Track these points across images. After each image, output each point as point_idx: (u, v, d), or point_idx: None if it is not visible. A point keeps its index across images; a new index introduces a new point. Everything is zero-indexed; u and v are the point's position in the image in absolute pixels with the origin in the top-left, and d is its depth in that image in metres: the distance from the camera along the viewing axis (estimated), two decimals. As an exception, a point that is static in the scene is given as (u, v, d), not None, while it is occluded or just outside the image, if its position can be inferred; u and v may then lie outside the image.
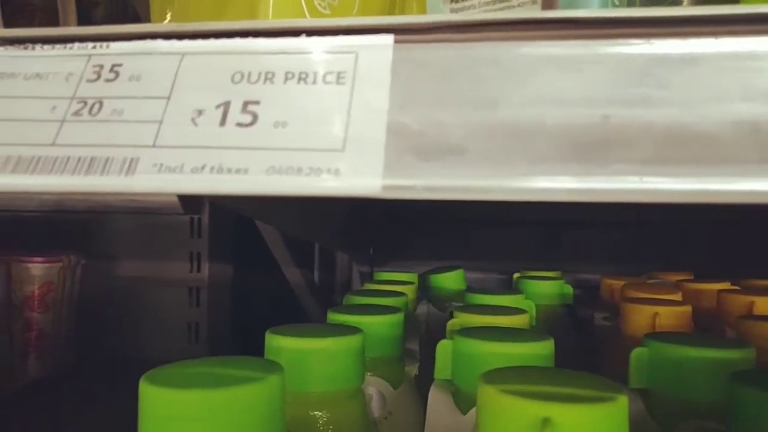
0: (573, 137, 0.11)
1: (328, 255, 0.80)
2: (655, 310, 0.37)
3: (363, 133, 0.12)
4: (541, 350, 0.24)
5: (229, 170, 0.12)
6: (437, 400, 0.25)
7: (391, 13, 0.20)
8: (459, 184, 0.11)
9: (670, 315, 0.37)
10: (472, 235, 0.75)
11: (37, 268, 0.55)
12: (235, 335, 0.75)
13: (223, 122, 0.13)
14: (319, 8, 0.17)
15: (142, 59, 0.14)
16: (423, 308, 0.50)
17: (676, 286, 0.50)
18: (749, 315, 0.37)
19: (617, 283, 0.50)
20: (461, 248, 0.73)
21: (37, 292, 0.55)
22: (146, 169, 0.12)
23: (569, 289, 0.52)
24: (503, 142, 0.11)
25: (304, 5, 0.16)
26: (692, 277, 0.58)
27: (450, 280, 0.57)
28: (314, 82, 0.13)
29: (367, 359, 0.31)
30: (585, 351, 0.45)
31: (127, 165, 0.12)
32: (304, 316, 0.74)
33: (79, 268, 0.61)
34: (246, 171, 0.12)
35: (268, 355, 0.25)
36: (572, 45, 0.12)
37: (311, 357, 0.24)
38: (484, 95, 0.12)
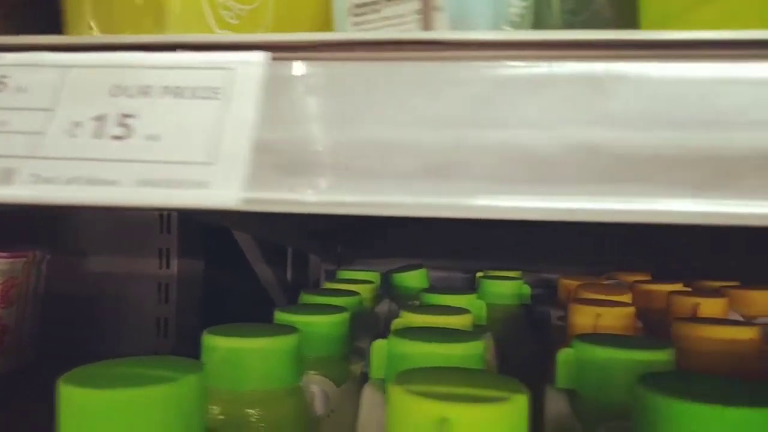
0: (425, 155, 0.12)
1: (301, 253, 0.81)
2: (597, 311, 0.38)
3: (231, 148, 0.12)
4: (469, 351, 0.25)
5: (103, 182, 0.12)
6: (369, 399, 0.26)
7: (325, 28, 0.20)
8: (318, 199, 0.12)
9: (613, 316, 0.37)
10: (441, 234, 0.76)
11: (0, 263, 0.55)
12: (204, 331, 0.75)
13: (99, 135, 0.13)
14: (227, 18, 0.17)
15: (29, 71, 0.14)
16: (384, 307, 0.51)
17: (629, 287, 0.51)
18: (686, 317, 0.38)
19: (573, 283, 0.51)
20: (430, 247, 0.73)
21: (0, 287, 0.55)
22: (23, 179, 0.13)
23: (527, 289, 0.53)
24: (365, 159, 0.12)
25: (210, 16, 0.17)
26: (649, 278, 0.59)
27: (412, 278, 0.57)
28: (189, 96, 0.13)
29: (311, 358, 0.32)
30: (538, 350, 0.46)
31: (4, 175, 0.13)
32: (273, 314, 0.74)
33: (44, 264, 0.60)
34: (118, 183, 0.12)
35: (204, 354, 0.25)
36: (438, 66, 0.13)
37: (244, 356, 0.24)
38: (349, 113, 0.12)
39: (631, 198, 0.15)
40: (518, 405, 0.17)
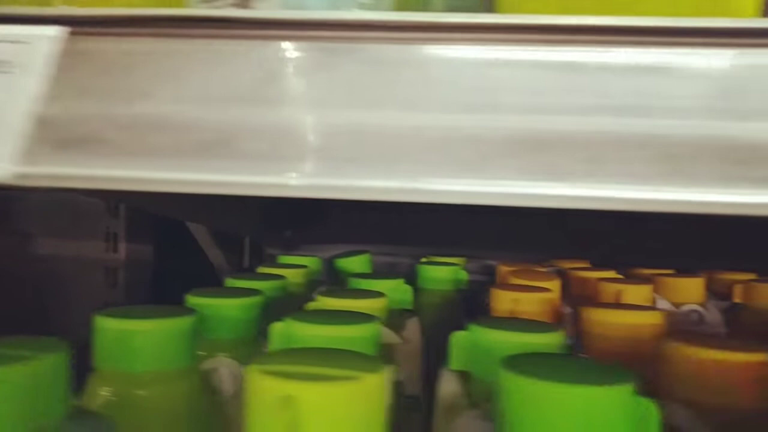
0: (200, 134, 0.12)
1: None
2: (515, 296, 0.38)
3: (9, 122, 0.12)
4: (358, 333, 0.25)
5: None
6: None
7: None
8: (91, 173, 0.12)
9: (530, 301, 0.38)
10: (392, 220, 0.76)
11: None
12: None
13: None
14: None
15: None
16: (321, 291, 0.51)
17: (562, 274, 0.52)
18: (596, 302, 0.39)
19: (507, 270, 0.52)
20: (381, 233, 0.74)
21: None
22: None
23: (464, 275, 0.53)
24: (143, 135, 0.12)
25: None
26: (587, 266, 0.60)
27: (354, 264, 0.57)
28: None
29: (222, 340, 0.32)
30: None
31: None
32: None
33: (-15, 247, 0.59)
34: None
35: (96, 335, 0.25)
36: (229, 44, 0.13)
37: (132, 338, 0.25)
38: (136, 89, 0.13)
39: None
40: (367, 385, 0.17)
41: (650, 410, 0.18)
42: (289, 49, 0.13)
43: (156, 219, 0.75)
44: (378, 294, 0.35)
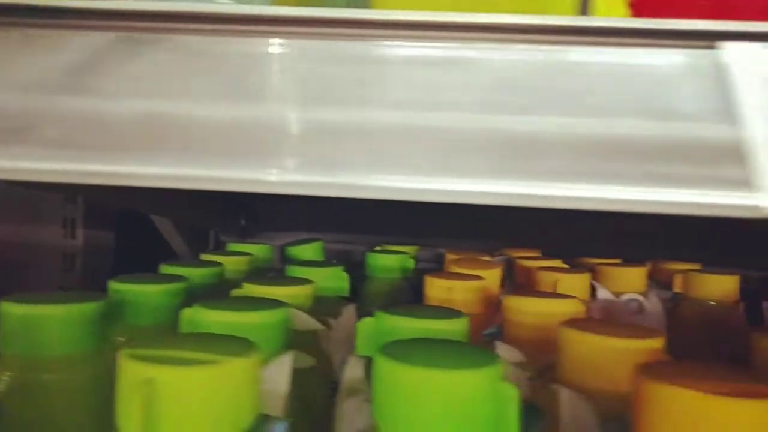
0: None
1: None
2: (448, 285, 0.39)
3: None
4: (251, 319, 0.26)
5: None
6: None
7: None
8: None
9: (462, 289, 0.39)
10: (352, 208, 0.76)
11: None
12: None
13: None
14: None
15: None
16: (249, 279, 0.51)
17: (509, 263, 0.53)
18: (522, 290, 0.39)
19: (452, 258, 0.52)
20: (339, 221, 0.74)
21: None
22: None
23: (411, 263, 0.54)
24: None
25: None
26: (537, 255, 0.60)
27: (306, 252, 0.58)
28: None
29: (143, 326, 0.32)
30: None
31: None
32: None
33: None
34: None
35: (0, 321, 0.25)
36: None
37: (34, 323, 0.25)
38: None
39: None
40: (226, 369, 0.18)
41: (511, 395, 0.18)
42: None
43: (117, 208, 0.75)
44: (306, 281, 0.35)
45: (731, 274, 0.51)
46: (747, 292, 0.52)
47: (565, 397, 0.22)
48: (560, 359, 0.25)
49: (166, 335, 0.21)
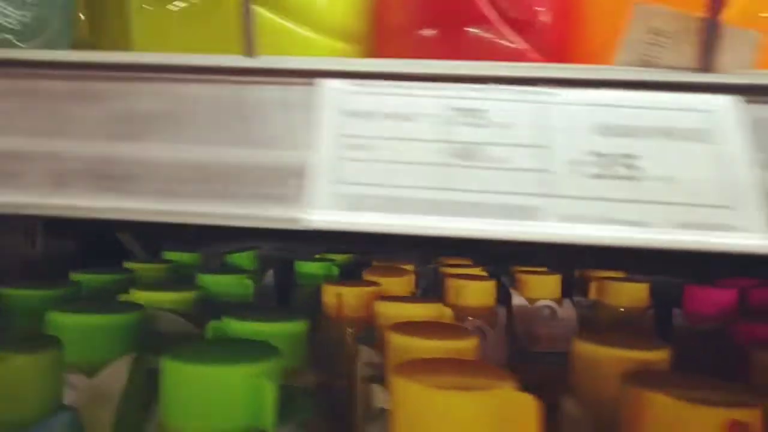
0: None
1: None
2: (339, 291, 0.40)
3: None
4: (111, 322, 0.28)
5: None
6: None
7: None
8: None
9: (353, 295, 0.40)
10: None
11: None
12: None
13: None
14: None
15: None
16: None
17: (432, 272, 0.54)
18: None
19: (374, 266, 0.54)
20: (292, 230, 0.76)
21: None
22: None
23: (335, 271, 0.55)
24: None
25: None
26: (467, 264, 0.62)
27: (241, 259, 0.60)
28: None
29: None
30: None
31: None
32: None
33: None
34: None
35: None
36: None
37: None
38: None
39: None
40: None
41: (268, 390, 0.20)
42: None
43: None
44: (191, 288, 0.37)
45: (648, 281, 0.53)
46: (662, 299, 0.53)
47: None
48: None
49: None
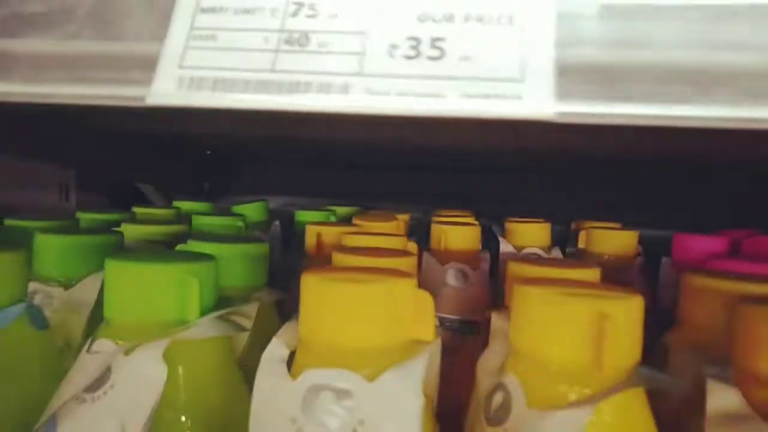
0: None
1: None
2: (318, 230, 0.43)
3: None
4: (86, 242, 0.31)
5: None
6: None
7: None
8: None
9: (328, 234, 0.43)
10: (316, 175, 0.81)
11: None
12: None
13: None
14: None
15: None
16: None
17: (419, 221, 0.56)
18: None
19: (370, 214, 0.56)
20: (303, 186, 0.79)
21: None
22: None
23: (333, 219, 0.58)
24: None
25: None
26: (466, 215, 0.63)
27: (250, 210, 0.63)
28: None
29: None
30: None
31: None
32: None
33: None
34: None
35: None
36: None
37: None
38: None
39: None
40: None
41: (192, 286, 0.22)
42: None
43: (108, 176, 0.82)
44: (173, 221, 0.40)
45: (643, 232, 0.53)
46: (652, 248, 0.53)
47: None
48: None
49: None
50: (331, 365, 0.20)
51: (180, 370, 0.22)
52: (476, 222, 0.57)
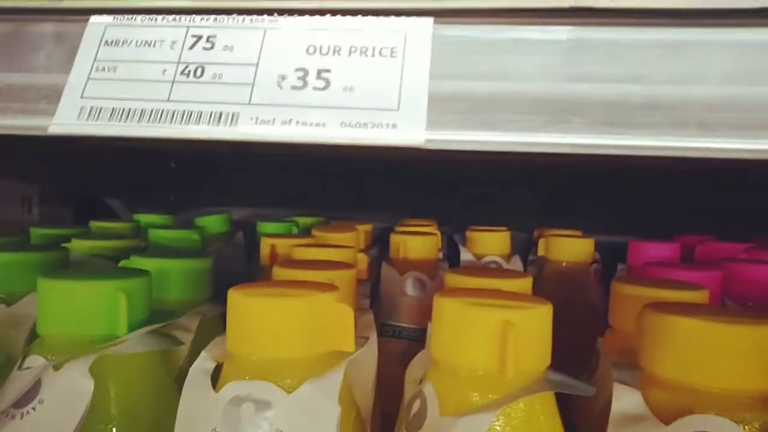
0: None
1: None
2: (272, 242, 0.44)
3: None
4: (29, 259, 0.32)
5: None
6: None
7: None
8: None
9: (283, 245, 0.44)
10: (287, 185, 0.82)
11: None
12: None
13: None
14: None
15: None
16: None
17: (382, 231, 0.57)
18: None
19: (331, 225, 0.57)
20: (269, 196, 0.80)
21: None
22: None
23: (294, 231, 0.59)
24: None
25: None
26: (430, 225, 0.64)
27: (213, 222, 0.64)
28: None
29: None
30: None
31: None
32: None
33: None
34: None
35: None
36: None
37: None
38: None
39: None
40: None
41: (120, 302, 0.23)
42: None
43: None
44: (128, 235, 0.41)
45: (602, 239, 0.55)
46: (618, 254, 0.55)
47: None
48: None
49: None
50: (253, 377, 0.21)
51: (110, 384, 0.23)
52: (437, 231, 0.58)
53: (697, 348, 0.20)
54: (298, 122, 0.16)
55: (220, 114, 0.17)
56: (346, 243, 0.50)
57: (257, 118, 0.17)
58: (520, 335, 0.20)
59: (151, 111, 0.17)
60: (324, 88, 0.17)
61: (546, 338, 0.21)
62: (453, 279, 0.29)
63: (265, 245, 0.44)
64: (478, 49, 0.16)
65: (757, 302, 0.35)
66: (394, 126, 0.16)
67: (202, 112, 0.17)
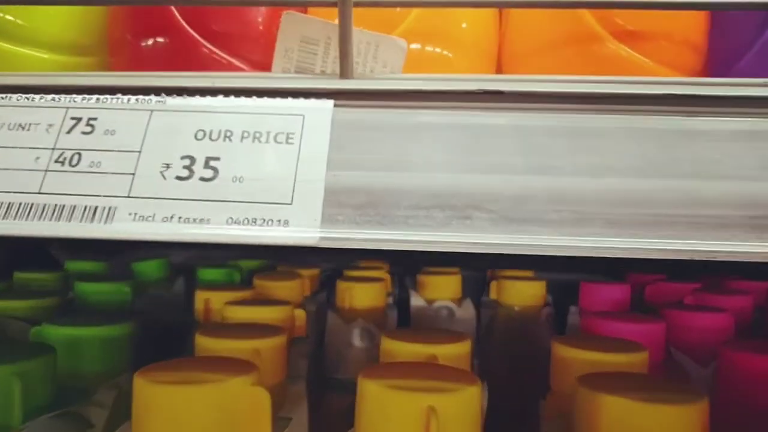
0: None
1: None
2: (207, 296, 0.42)
3: None
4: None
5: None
6: None
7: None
8: None
9: (218, 300, 0.42)
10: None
11: None
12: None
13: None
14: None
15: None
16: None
17: (329, 276, 0.56)
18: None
19: (276, 271, 0.56)
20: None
21: None
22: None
23: (236, 277, 0.57)
24: None
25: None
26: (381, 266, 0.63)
27: (151, 267, 0.61)
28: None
29: None
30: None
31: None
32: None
33: None
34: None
35: None
36: None
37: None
38: None
39: None
40: None
41: (13, 388, 0.22)
42: None
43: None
44: (45, 295, 0.39)
45: (554, 280, 0.55)
46: (561, 296, 0.55)
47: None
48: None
49: None
50: (159, 471, 0.20)
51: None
52: (387, 275, 0.57)
53: (627, 427, 0.20)
54: (180, 218, 0.16)
55: (95, 209, 0.16)
56: (289, 292, 0.49)
57: (136, 214, 0.16)
58: (445, 421, 0.19)
59: (20, 205, 0.16)
60: (212, 179, 0.16)
61: (473, 420, 0.20)
62: (388, 344, 0.29)
63: (200, 300, 0.43)
64: (380, 136, 0.15)
65: (698, 350, 0.35)
66: (287, 223, 0.15)
67: (75, 207, 0.16)
